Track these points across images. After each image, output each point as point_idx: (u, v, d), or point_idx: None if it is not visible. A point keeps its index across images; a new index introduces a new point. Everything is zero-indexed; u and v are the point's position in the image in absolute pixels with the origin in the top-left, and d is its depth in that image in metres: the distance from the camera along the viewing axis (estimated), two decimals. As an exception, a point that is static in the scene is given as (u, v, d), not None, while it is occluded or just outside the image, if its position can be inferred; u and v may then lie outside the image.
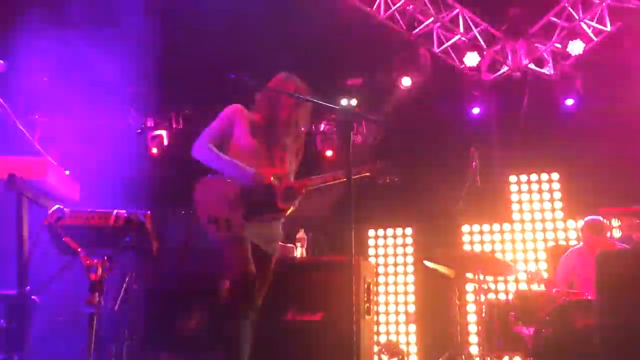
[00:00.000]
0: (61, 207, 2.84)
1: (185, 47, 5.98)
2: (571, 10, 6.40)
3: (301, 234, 4.76)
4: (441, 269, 4.79)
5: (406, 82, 6.44)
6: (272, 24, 5.85)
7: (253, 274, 2.86)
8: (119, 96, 6.40)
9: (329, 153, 7.05)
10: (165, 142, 6.45)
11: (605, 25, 6.33)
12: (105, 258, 2.77)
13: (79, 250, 2.80)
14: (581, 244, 4.74)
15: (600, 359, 1.85)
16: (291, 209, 3.05)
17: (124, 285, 3.96)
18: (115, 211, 2.76)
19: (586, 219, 4.73)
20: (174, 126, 6.61)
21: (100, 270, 2.76)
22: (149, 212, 2.76)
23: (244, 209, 2.94)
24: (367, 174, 3.14)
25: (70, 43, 5.43)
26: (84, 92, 5.94)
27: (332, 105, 3.02)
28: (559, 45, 6.57)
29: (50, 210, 2.80)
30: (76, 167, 3.53)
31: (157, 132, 6.57)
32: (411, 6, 6.45)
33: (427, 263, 4.94)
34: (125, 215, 2.77)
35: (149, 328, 4.50)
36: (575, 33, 6.34)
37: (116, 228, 2.76)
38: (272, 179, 2.97)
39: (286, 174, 3.07)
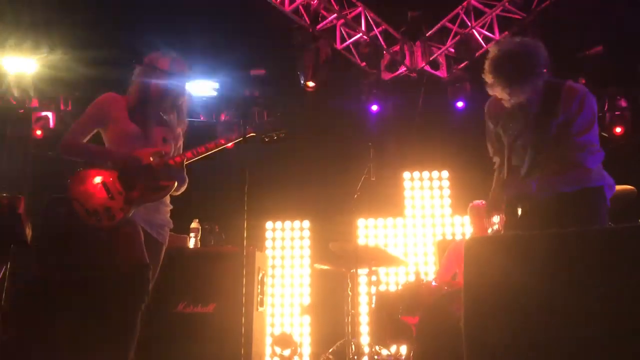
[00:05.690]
0: None
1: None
2: (464, 17, 6.76)
3: (195, 224, 4.66)
4: (331, 268, 4.92)
5: (311, 84, 6.51)
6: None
7: (146, 260, 2.77)
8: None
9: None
10: (52, 125, 6.04)
11: (494, 33, 6.76)
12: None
13: (-61, 236, 2.56)
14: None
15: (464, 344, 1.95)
16: (176, 185, 2.97)
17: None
18: (-18, 194, 2.55)
19: (472, 203, 4.95)
20: (62, 108, 6.21)
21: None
22: (21, 197, 2.58)
23: (125, 193, 2.84)
24: (253, 134, 3.12)
25: None
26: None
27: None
28: (452, 50, 6.93)
29: None
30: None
31: (43, 113, 6.13)
32: (316, 1, 6.51)
33: (317, 266, 5.07)
34: (-5, 198, 2.57)
35: (25, 323, 4.20)
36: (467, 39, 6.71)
37: (-16, 212, 2.56)
38: (150, 158, 2.90)
39: (166, 152, 3.00)
